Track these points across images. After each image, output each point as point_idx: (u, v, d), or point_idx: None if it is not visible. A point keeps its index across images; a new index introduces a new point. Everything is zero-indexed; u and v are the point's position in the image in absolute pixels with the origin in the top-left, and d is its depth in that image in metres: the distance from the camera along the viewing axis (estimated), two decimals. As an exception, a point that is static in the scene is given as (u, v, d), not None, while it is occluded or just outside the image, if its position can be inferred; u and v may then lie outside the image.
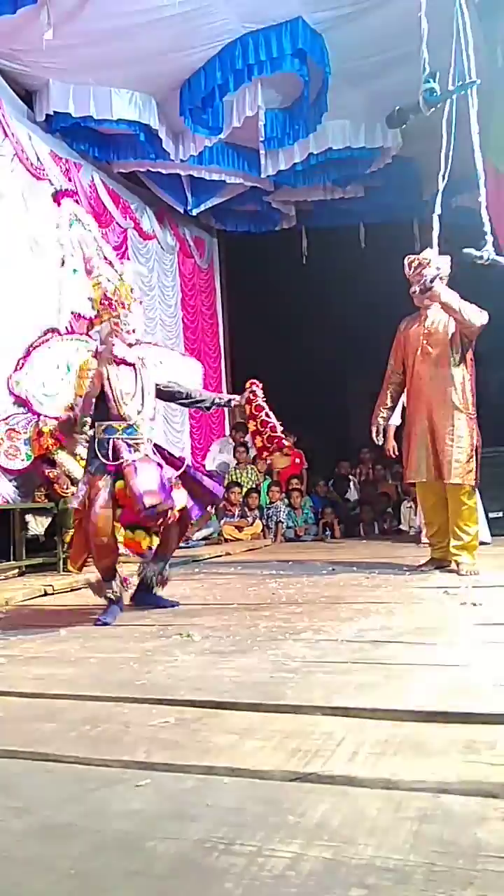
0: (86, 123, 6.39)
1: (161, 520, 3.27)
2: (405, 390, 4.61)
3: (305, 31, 5.65)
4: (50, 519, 5.72)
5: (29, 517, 5.68)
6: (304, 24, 5.64)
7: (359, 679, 1.97)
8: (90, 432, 3.46)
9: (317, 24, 5.69)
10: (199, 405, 3.90)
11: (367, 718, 1.66)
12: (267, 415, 3.65)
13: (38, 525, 5.73)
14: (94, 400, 3.42)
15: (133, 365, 3.52)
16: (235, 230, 9.42)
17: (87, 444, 3.51)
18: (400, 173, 7.75)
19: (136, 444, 3.40)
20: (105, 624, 3.18)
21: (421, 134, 6.76)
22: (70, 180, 6.71)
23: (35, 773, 1.48)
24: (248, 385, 3.89)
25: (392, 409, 4.73)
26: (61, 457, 5.47)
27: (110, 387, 3.41)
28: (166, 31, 5.51)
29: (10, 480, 5.63)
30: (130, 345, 3.53)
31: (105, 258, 3.72)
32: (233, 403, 3.81)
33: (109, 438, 3.36)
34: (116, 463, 3.28)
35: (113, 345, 3.47)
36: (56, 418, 3.61)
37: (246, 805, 1.25)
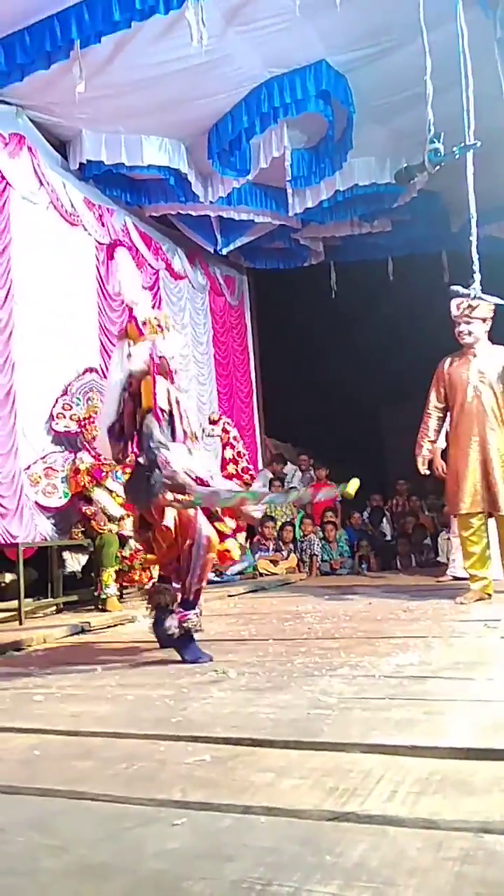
0: (118, 170, 6.59)
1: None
2: (449, 424, 4.76)
3: (329, 72, 5.79)
4: (87, 556, 5.77)
5: (66, 554, 5.73)
6: (327, 66, 5.77)
7: (398, 715, 1.94)
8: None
9: (340, 66, 5.82)
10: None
11: (407, 756, 1.63)
12: (243, 446, 3.64)
13: (75, 562, 5.78)
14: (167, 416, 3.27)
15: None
16: (265, 267, 9.55)
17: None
18: (427, 206, 7.81)
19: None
20: (207, 659, 3.03)
21: (446, 169, 6.84)
22: (103, 225, 6.91)
23: (72, 811, 1.48)
24: (215, 419, 3.88)
25: (435, 440, 4.85)
26: (98, 494, 5.54)
27: (178, 408, 3.33)
28: (193, 78, 5.69)
29: (48, 518, 5.70)
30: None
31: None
32: (214, 434, 3.75)
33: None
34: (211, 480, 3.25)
35: (162, 358, 3.36)
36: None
37: (283, 845, 1.23)
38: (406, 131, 6.60)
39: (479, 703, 2.02)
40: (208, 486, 3.20)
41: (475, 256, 4.22)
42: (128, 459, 3.59)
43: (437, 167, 4.39)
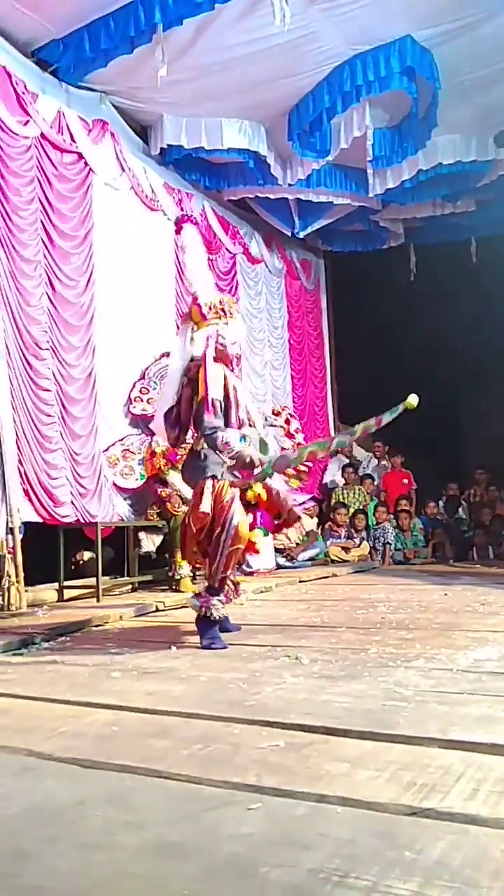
0: (197, 154, 6.59)
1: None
2: None
3: (414, 48, 5.60)
4: (161, 537, 5.87)
5: (142, 535, 5.85)
6: (412, 42, 5.58)
7: (477, 711, 1.88)
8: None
9: (425, 41, 5.63)
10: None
11: (488, 754, 1.58)
12: (304, 439, 3.60)
13: (150, 542, 5.89)
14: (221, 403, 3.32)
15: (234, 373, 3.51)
16: (342, 250, 9.41)
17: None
18: (513, 185, 7.51)
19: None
20: (220, 647, 3.08)
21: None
22: (182, 209, 6.94)
23: (149, 789, 1.50)
24: (278, 410, 3.85)
25: None
26: (173, 476, 5.61)
27: (234, 394, 3.37)
28: (274, 59, 5.62)
29: (125, 499, 5.83)
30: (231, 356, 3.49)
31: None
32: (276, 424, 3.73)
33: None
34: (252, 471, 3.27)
35: (221, 345, 3.40)
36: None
37: (360, 837, 1.21)
38: (493, 107, 6.37)
39: None
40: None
41: None
42: (183, 446, 3.63)
43: None
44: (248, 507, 3.29)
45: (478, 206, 8.10)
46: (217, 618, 3.19)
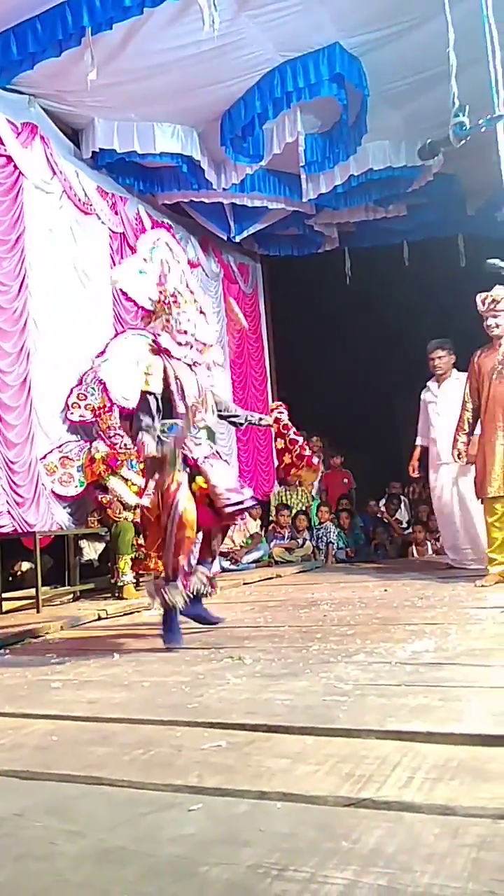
0: (130, 158, 6.55)
1: (238, 517, 3.30)
2: (480, 415, 4.81)
3: (343, 55, 5.70)
4: (103, 544, 5.80)
5: (83, 542, 5.77)
6: (340, 49, 5.68)
7: (413, 702, 1.93)
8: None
9: (353, 49, 5.74)
10: (232, 420, 3.91)
11: (423, 742, 1.62)
12: (295, 433, 3.65)
13: (91, 550, 5.82)
14: (158, 397, 3.34)
15: (188, 365, 3.51)
16: (279, 254, 9.49)
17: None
18: (443, 190, 7.71)
19: (198, 443, 3.41)
20: (176, 645, 3.14)
21: (462, 151, 6.74)
22: (116, 213, 6.89)
23: (89, 796, 1.49)
24: (274, 406, 3.92)
25: (470, 433, 4.91)
26: (113, 482, 5.56)
27: (177, 384, 3.38)
28: (205, 64, 5.63)
29: (64, 507, 5.73)
30: (180, 344, 3.48)
31: (189, 288, 3.78)
32: (263, 423, 3.79)
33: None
34: (194, 459, 3.29)
35: (158, 335, 3.43)
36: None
37: (299, 830, 1.24)
38: (421, 114, 6.52)
39: (495, 690, 2.01)
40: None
41: None
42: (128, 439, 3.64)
43: (463, 141, 4.32)
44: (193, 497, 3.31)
45: (409, 210, 8.29)
46: (172, 604, 3.21)
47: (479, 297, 4.75)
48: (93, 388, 6.04)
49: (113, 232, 6.85)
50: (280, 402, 3.93)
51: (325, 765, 1.53)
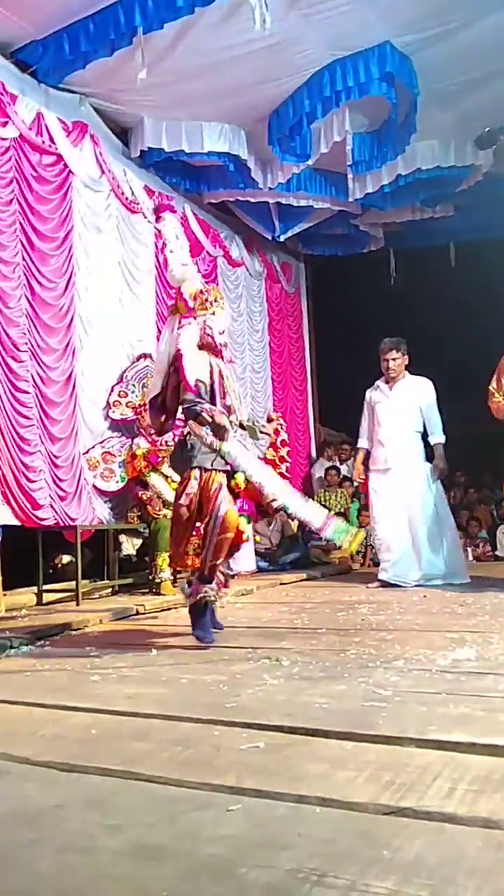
0: (178, 157, 6.59)
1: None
2: None
3: (393, 54, 5.64)
4: (142, 540, 5.85)
5: (122, 537, 5.83)
6: (391, 48, 5.63)
7: (455, 711, 1.90)
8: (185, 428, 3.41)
9: (404, 47, 5.68)
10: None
11: (465, 753, 1.59)
12: (287, 454, 3.61)
13: (130, 545, 5.87)
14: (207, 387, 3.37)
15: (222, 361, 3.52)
16: (323, 254, 9.45)
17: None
18: (492, 190, 7.58)
19: (242, 443, 3.41)
20: (209, 641, 3.16)
21: (513, 150, 6.62)
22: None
23: (128, 791, 1.50)
24: (276, 417, 3.89)
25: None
26: (154, 479, 5.60)
27: (220, 381, 3.41)
28: (255, 63, 5.64)
29: (105, 502, 5.80)
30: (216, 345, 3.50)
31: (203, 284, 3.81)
32: (264, 431, 3.75)
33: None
34: (233, 460, 3.29)
35: (205, 333, 3.45)
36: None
37: (338, 837, 1.22)
38: (471, 113, 6.43)
39: (539, 702, 1.96)
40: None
41: None
42: (168, 434, 3.64)
43: None
44: (231, 493, 3.32)
45: (456, 211, 8.18)
46: (208, 603, 3.25)
47: None
48: (133, 386, 6.10)
49: (158, 231, 6.89)
50: (280, 415, 3.94)
51: (364, 771, 1.52)
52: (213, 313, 3.49)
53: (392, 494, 5.53)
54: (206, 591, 3.24)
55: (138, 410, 5.95)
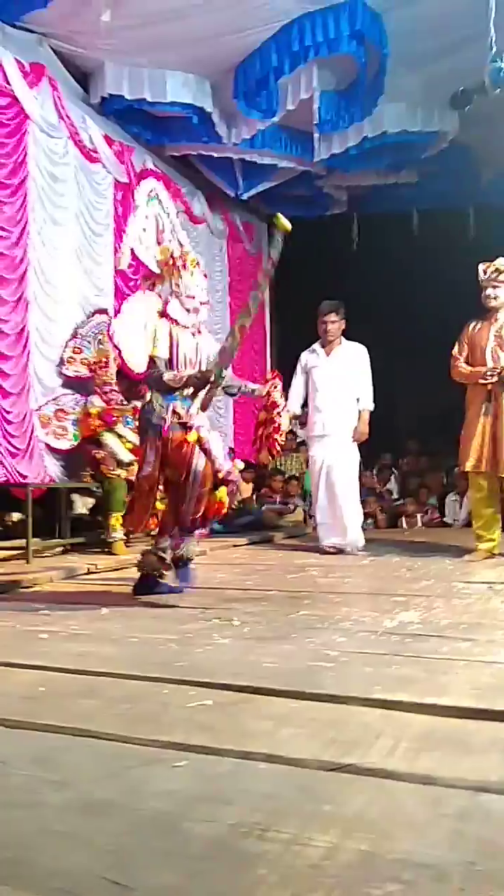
0: (139, 106, 6.38)
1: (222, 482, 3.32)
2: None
3: (364, 12, 5.52)
4: (94, 499, 5.80)
5: (74, 496, 5.77)
6: (363, 5, 5.51)
7: (399, 672, 1.95)
8: (147, 397, 3.42)
9: (376, 5, 5.56)
10: (226, 389, 3.87)
11: (407, 712, 1.64)
12: (278, 414, 3.59)
13: (82, 505, 5.82)
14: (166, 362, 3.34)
15: (192, 333, 3.48)
16: (286, 215, 9.31)
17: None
18: (456, 159, 7.57)
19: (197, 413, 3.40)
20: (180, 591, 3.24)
21: (478, 119, 6.60)
22: (122, 163, 6.73)
23: (75, 748, 1.50)
24: (271, 377, 3.88)
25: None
26: (108, 438, 5.54)
27: (176, 351, 3.36)
28: (222, 12, 5.46)
29: (58, 460, 5.72)
30: (188, 310, 3.45)
31: (179, 241, 3.76)
32: (256, 393, 3.74)
33: (169, 405, 3.29)
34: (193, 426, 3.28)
35: (167, 302, 3.42)
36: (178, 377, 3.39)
37: (282, 792, 1.25)
38: (440, 78, 6.36)
39: (479, 664, 2.03)
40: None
41: None
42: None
43: (499, 88, 4.14)
44: None
45: (420, 178, 8.14)
46: (189, 557, 3.31)
47: (481, 266, 4.67)
48: (88, 342, 5.98)
49: (118, 182, 6.71)
50: (277, 374, 3.88)
51: (309, 728, 1.55)
52: (181, 278, 3.43)
53: (327, 463, 5.44)
54: (187, 543, 3.31)
55: (93, 368, 5.85)
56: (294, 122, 6.83)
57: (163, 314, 3.40)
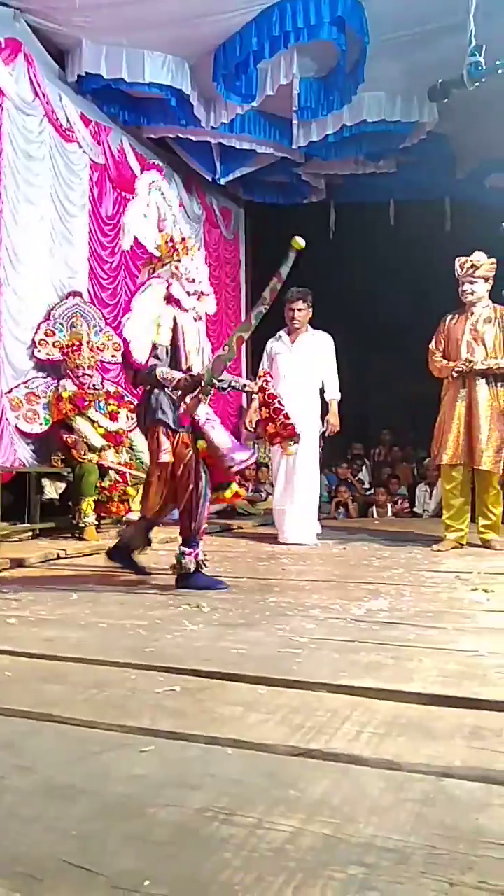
0: (117, 86, 6.29)
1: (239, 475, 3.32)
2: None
3: (345, -2, 5.50)
4: (65, 484, 5.75)
5: (45, 481, 5.71)
6: (344, -9, 5.48)
7: (366, 659, 1.97)
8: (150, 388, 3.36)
9: (357, -8, 5.54)
10: (217, 384, 3.86)
11: (373, 698, 1.66)
12: (280, 403, 3.58)
13: (53, 489, 5.77)
14: (167, 349, 3.32)
15: (194, 318, 3.46)
16: (263, 201, 9.28)
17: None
18: (434, 150, 7.59)
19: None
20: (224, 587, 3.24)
21: (457, 111, 6.61)
22: (99, 143, 6.64)
23: (41, 733, 1.49)
24: (261, 374, 3.88)
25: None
26: (79, 423, 5.49)
27: (182, 338, 3.34)
28: (203, -7, 5.40)
29: (28, 444, 5.66)
30: (189, 294, 3.43)
31: (181, 232, 3.74)
32: (247, 389, 3.73)
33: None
34: (196, 419, 3.26)
35: (170, 284, 3.38)
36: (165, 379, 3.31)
37: (248, 777, 1.26)
38: (420, 68, 6.35)
39: (445, 652, 2.05)
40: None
41: None
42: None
43: (477, 83, 4.15)
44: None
45: (399, 168, 8.16)
46: (205, 564, 3.34)
47: (457, 262, 4.69)
48: (61, 325, 5.92)
49: (94, 163, 6.62)
50: (267, 371, 3.92)
51: (276, 714, 1.56)
52: (181, 261, 3.41)
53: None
54: (200, 553, 3.33)
55: (65, 351, 5.78)
56: (273, 107, 6.78)
57: (168, 299, 3.36)
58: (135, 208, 3.68)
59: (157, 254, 3.50)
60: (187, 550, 3.30)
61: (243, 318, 9.90)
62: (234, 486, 3.45)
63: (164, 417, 3.25)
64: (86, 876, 0.96)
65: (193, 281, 3.44)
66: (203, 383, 3.17)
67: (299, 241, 3.05)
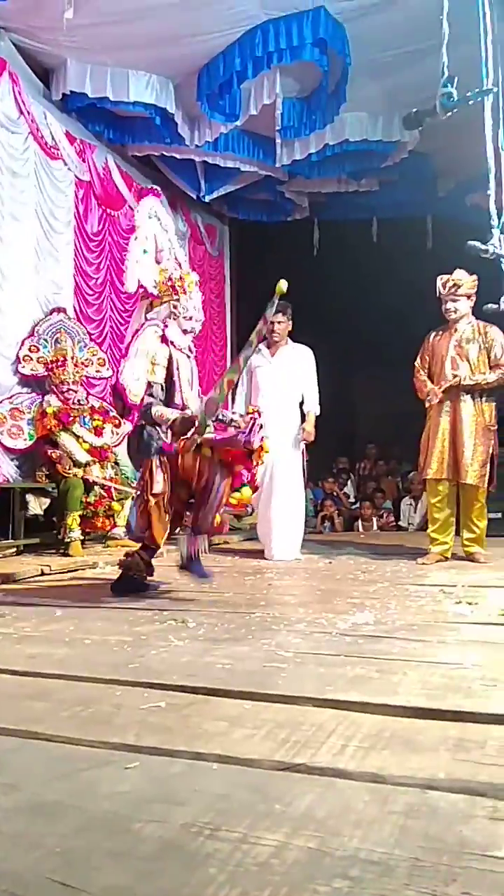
0: (102, 104, 6.35)
1: (255, 457, 3.29)
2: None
3: (328, 20, 5.60)
4: (49, 500, 5.73)
5: (29, 497, 5.69)
6: (326, 14, 5.58)
7: (351, 673, 1.97)
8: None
9: (339, 14, 5.64)
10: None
11: (358, 712, 1.66)
12: (258, 456, 3.48)
13: (37, 505, 5.74)
14: (162, 386, 3.40)
15: (187, 355, 3.55)
16: (248, 219, 9.37)
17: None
18: (416, 169, 7.71)
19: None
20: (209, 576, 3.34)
21: (438, 131, 6.71)
22: (84, 161, 6.68)
23: (25, 750, 1.48)
24: (251, 410, 3.89)
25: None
26: (64, 438, 5.48)
27: (177, 374, 3.41)
28: (187, 13, 5.47)
29: (12, 460, 5.64)
30: (185, 331, 3.51)
31: (177, 260, 3.80)
32: (233, 424, 3.62)
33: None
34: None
35: (166, 326, 3.46)
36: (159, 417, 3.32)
37: (233, 792, 1.25)
38: (402, 88, 6.47)
39: (429, 665, 2.06)
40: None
41: (493, 209, 4.12)
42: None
43: (449, 113, 4.24)
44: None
45: (381, 186, 8.27)
46: (205, 552, 3.36)
47: (439, 280, 4.74)
48: (45, 341, 5.92)
49: (79, 180, 6.66)
50: (257, 408, 3.95)
51: (262, 729, 1.56)
52: (180, 301, 3.48)
53: (269, 468, 5.08)
54: (202, 542, 3.35)
55: (50, 367, 5.78)
56: (257, 126, 6.87)
57: (162, 339, 3.43)
58: (136, 248, 3.71)
59: (156, 292, 3.54)
60: (190, 541, 3.33)
61: (227, 334, 9.96)
62: (247, 491, 3.43)
63: (158, 452, 3.29)
64: (70, 893, 0.96)
65: (191, 319, 3.51)
66: (197, 424, 3.21)
67: (282, 286, 3.13)
